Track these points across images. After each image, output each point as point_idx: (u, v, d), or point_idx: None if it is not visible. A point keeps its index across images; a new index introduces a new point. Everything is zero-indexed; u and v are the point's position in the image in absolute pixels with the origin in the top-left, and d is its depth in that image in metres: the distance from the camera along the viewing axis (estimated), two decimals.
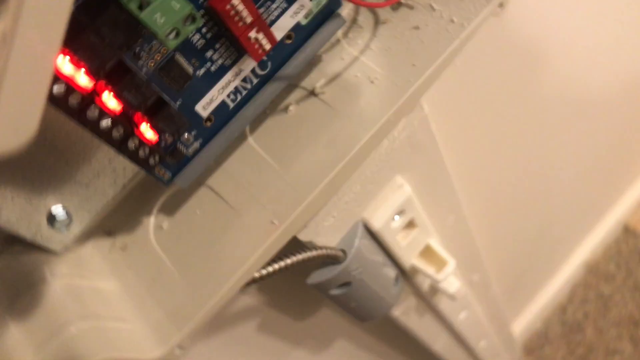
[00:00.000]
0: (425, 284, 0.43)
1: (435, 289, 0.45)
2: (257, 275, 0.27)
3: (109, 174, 0.24)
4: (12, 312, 0.23)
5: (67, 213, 0.24)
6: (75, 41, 0.17)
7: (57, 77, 0.17)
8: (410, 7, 0.27)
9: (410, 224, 0.37)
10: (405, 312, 0.45)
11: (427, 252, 0.40)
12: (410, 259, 0.38)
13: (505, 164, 0.56)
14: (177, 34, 0.17)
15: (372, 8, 0.27)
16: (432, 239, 0.39)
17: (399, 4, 0.27)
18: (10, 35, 0.10)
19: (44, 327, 0.22)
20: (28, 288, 0.23)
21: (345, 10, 0.27)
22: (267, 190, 0.26)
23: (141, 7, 0.17)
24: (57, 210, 0.23)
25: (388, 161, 0.32)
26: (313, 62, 0.27)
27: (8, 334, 0.22)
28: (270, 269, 0.28)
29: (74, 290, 0.24)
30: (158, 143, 0.22)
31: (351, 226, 0.33)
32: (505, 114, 0.50)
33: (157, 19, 0.17)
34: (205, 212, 0.26)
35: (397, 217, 0.35)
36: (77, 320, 0.22)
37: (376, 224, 0.34)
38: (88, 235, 0.26)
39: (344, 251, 0.33)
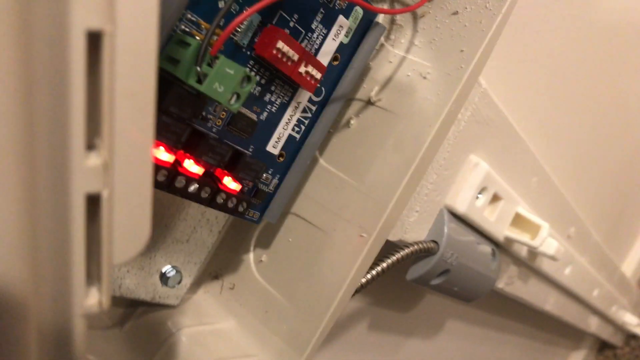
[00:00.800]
0: (523, 250, 0.43)
1: (534, 253, 0.44)
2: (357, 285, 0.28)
3: (204, 225, 0.26)
4: None
5: (177, 270, 0.26)
6: None
7: None
8: None
9: (495, 198, 0.37)
10: (509, 282, 0.45)
11: (518, 220, 0.39)
12: (503, 231, 0.38)
13: (575, 108, 0.54)
14: (238, 97, 0.19)
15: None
16: (520, 206, 0.39)
17: None
18: (110, 164, 0.11)
19: None
20: (159, 344, 0.25)
21: (382, 14, 0.27)
22: (348, 206, 0.27)
23: (200, 81, 0.18)
24: (167, 269, 0.26)
25: (458, 144, 0.33)
26: (363, 73, 0.28)
27: None
28: (368, 276, 0.29)
29: (198, 338, 0.26)
30: (241, 190, 0.23)
31: (436, 216, 0.34)
32: (561, 57, 0.49)
33: (217, 88, 0.18)
34: (296, 238, 0.28)
35: (479, 196, 0.35)
36: None
37: (460, 207, 0.34)
38: (198, 283, 0.28)
39: (435, 242, 0.33)
